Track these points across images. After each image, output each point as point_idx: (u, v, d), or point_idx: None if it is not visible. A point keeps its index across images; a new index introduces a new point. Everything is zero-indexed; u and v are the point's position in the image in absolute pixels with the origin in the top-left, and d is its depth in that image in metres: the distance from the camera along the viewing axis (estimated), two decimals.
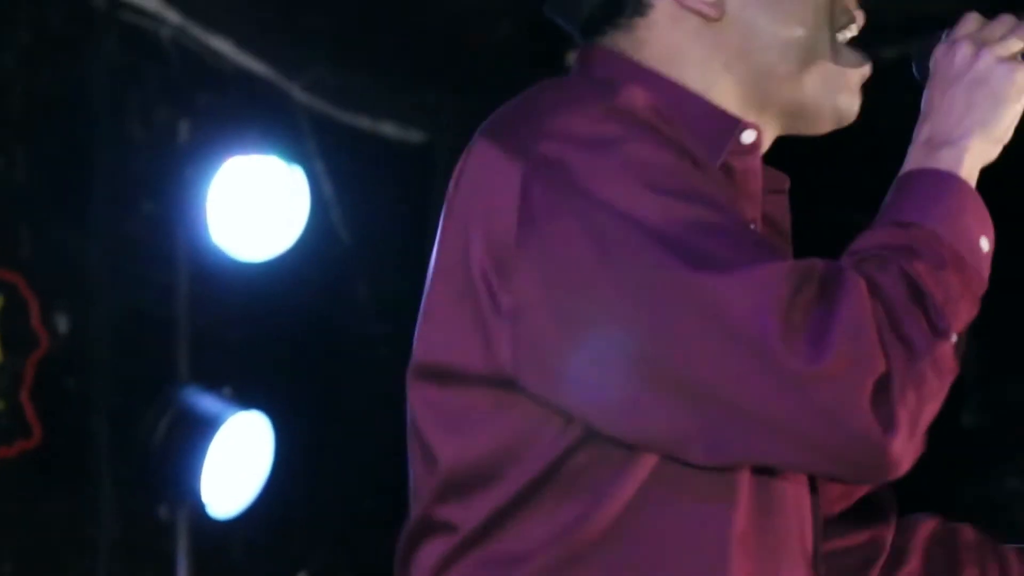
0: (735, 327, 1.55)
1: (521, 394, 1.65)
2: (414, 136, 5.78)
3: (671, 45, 1.83)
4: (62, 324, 4.92)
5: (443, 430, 1.73)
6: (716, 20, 1.82)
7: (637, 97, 1.70)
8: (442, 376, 1.72)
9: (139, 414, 4.80)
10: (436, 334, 1.74)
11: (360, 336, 5.64)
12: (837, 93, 1.86)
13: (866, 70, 1.88)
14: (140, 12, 4.94)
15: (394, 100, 5.93)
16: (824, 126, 1.89)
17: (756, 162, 1.84)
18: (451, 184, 1.75)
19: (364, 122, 5.53)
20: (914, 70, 1.85)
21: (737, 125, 1.81)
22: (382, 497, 5.28)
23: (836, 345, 1.53)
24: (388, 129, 5.64)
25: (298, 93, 5.17)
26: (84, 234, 5.02)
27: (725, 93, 1.83)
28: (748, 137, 1.81)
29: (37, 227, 5.11)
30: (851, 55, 1.87)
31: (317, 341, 5.41)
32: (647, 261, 1.59)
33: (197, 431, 4.71)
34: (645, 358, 1.60)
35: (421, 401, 1.76)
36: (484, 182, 1.69)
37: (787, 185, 1.93)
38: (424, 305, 1.77)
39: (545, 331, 1.63)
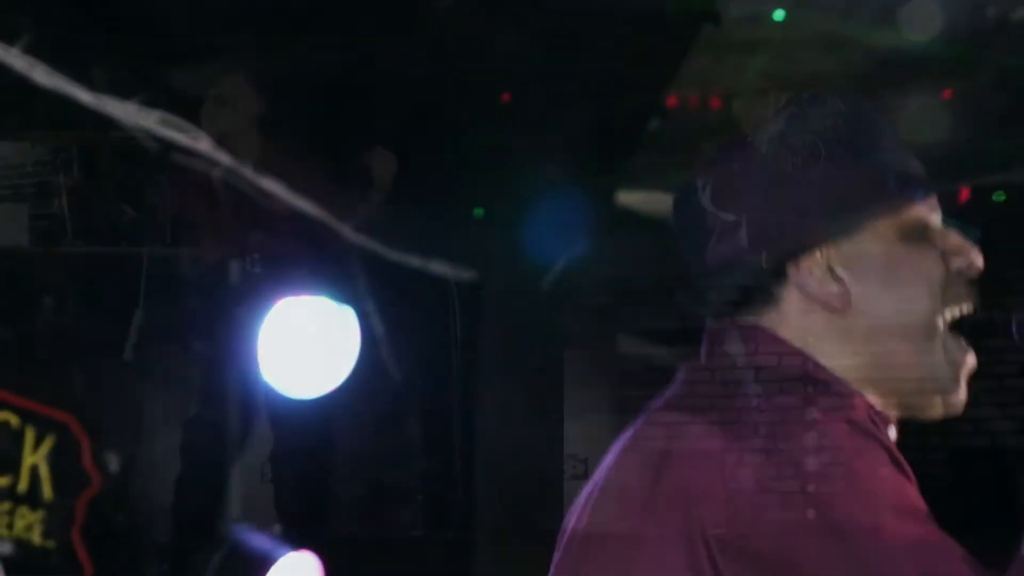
0: None
1: None
2: (464, 274, 5.80)
3: (805, 331, 1.90)
4: (113, 463, 4.94)
5: None
6: (843, 312, 1.89)
7: (862, 406, 1.80)
8: None
9: (190, 552, 4.79)
10: None
11: (411, 474, 5.63)
12: (948, 388, 1.91)
13: (971, 361, 1.93)
14: (192, 154, 4.99)
15: (445, 238, 5.96)
16: (934, 414, 1.94)
17: None
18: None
19: (414, 261, 5.55)
20: (1014, 331, 1.88)
21: (888, 422, 1.90)
22: None
23: None
24: (439, 268, 5.67)
25: (349, 232, 5.19)
26: (136, 374, 5.04)
27: (860, 382, 1.89)
28: (893, 435, 1.91)
29: (89, 366, 5.14)
30: (956, 346, 1.93)
31: (367, 479, 5.40)
32: None
33: (248, 570, 4.70)
34: None
35: None
36: None
37: None
38: None
39: None
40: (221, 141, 4.84)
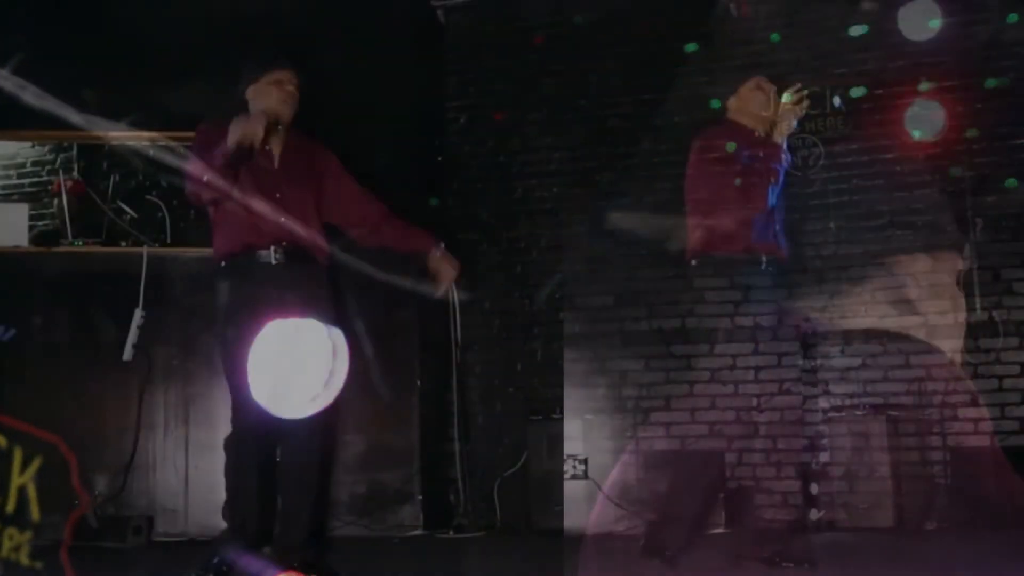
0: None
1: None
2: (458, 295, 5.79)
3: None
4: (101, 483, 4.92)
5: None
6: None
7: None
8: None
9: (180, 573, 4.79)
10: None
11: (399, 492, 5.62)
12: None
13: None
14: (182, 175, 5.00)
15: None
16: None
17: None
18: None
19: (405, 282, 5.55)
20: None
21: None
22: None
23: None
24: (429, 288, 5.67)
25: (338, 254, 5.18)
26: (124, 392, 5.03)
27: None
28: None
29: (77, 385, 5.12)
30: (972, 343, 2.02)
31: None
32: None
33: None
34: None
35: None
36: None
37: None
38: None
39: None
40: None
